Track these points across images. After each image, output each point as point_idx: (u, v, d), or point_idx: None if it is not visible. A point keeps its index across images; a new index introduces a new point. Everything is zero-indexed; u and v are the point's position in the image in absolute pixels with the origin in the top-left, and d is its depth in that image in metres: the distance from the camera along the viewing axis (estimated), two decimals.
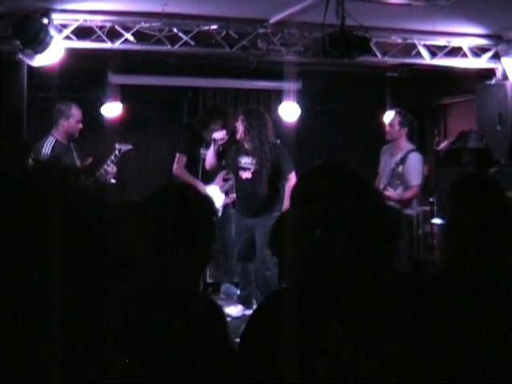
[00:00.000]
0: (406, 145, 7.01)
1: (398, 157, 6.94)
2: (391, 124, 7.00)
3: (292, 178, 6.36)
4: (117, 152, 7.05)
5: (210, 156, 6.67)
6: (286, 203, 6.23)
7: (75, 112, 6.65)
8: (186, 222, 2.18)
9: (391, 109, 8.10)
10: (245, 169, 6.49)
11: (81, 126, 6.71)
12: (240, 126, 6.41)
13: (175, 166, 7.29)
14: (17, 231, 1.14)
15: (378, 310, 1.63)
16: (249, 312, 6.61)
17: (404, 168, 6.86)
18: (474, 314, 2.02)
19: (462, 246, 2.26)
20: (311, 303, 1.63)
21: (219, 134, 6.56)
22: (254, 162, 6.41)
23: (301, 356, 1.57)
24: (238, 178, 6.59)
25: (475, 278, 2.16)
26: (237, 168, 6.54)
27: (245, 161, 6.48)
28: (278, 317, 1.63)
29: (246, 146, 6.42)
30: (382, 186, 6.88)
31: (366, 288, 1.65)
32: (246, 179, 6.49)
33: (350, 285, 1.64)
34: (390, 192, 6.76)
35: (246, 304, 6.69)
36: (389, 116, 7.11)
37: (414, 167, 6.90)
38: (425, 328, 1.64)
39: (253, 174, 6.44)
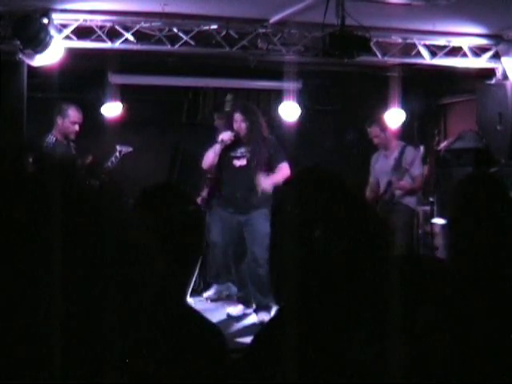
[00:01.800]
0: (397, 143, 7.21)
1: (395, 154, 7.06)
2: (376, 136, 7.15)
3: (284, 168, 6.36)
4: (117, 153, 7.07)
5: (211, 155, 6.56)
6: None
7: (71, 113, 6.66)
8: (169, 227, 2.19)
9: (391, 110, 8.11)
10: (239, 157, 6.46)
11: (77, 128, 6.69)
12: (238, 119, 6.42)
13: None
14: (18, 224, 1.14)
15: (396, 309, 1.61)
16: (249, 311, 6.60)
17: (405, 161, 6.99)
18: (476, 312, 2.01)
19: (465, 244, 2.26)
20: (324, 312, 1.61)
21: (227, 136, 6.48)
22: (249, 149, 6.41)
23: (321, 371, 1.55)
24: (230, 168, 6.49)
25: (478, 277, 2.16)
26: (230, 158, 6.48)
27: (240, 150, 6.47)
28: (287, 333, 1.61)
29: (242, 137, 6.43)
30: (384, 184, 7.00)
31: (379, 288, 1.64)
32: (240, 167, 6.44)
33: (361, 286, 1.63)
34: (404, 182, 6.91)
35: (246, 303, 6.66)
36: (369, 129, 7.20)
37: (414, 158, 7.05)
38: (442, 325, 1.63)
39: (248, 160, 6.42)
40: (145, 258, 1.26)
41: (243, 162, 6.44)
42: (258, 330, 1.75)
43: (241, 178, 6.41)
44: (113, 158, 7.09)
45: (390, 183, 7.02)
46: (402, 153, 7.09)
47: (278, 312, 1.77)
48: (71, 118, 6.66)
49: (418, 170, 7.06)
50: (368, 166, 7.39)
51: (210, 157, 6.57)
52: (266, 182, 6.24)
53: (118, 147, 7.12)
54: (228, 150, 6.50)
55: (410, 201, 7.04)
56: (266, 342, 1.69)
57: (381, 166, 7.19)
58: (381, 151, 7.27)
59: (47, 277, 1.10)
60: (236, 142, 6.45)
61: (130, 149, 7.23)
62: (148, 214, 2.24)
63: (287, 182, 1.89)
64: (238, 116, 6.42)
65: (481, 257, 2.22)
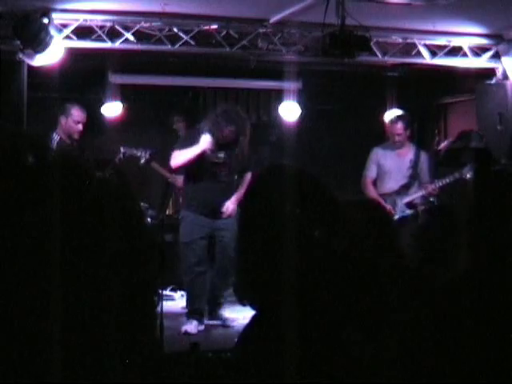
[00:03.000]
0: (411, 144, 7.15)
1: (411, 156, 7.02)
2: (399, 134, 7.02)
3: (246, 178, 6.22)
4: (121, 155, 7.08)
5: (187, 157, 6.17)
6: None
7: (75, 112, 6.68)
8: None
9: (391, 110, 8.11)
10: (217, 163, 6.20)
11: (80, 127, 6.71)
12: (229, 126, 6.07)
13: None
14: (19, 216, 1.14)
15: (390, 309, 1.62)
16: (202, 328, 6.25)
17: (420, 167, 6.98)
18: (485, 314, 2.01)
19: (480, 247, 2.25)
20: (317, 310, 1.61)
21: (208, 144, 6.13)
22: (230, 155, 6.17)
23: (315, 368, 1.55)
24: (206, 173, 6.21)
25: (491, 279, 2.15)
26: (210, 163, 6.19)
27: (218, 155, 6.19)
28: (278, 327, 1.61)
29: (225, 143, 6.13)
30: (398, 185, 6.95)
31: (378, 287, 1.65)
32: (220, 172, 6.23)
33: (361, 287, 1.64)
34: (433, 186, 6.92)
35: (200, 318, 6.26)
36: (394, 124, 7.09)
37: (427, 166, 7.08)
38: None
39: (228, 167, 6.23)
40: (148, 254, 1.25)
41: (223, 168, 6.23)
42: (243, 330, 1.73)
43: (216, 184, 6.20)
44: (116, 160, 7.10)
45: (407, 185, 6.97)
46: (418, 156, 7.03)
47: (262, 312, 1.75)
48: (75, 117, 6.68)
49: (429, 178, 7.06)
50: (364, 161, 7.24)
51: (184, 159, 6.20)
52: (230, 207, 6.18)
53: (122, 149, 7.13)
54: (207, 155, 6.19)
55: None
56: (253, 341, 1.68)
57: (395, 165, 7.04)
58: (388, 148, 7.13)
59: (47, 272, 1.10)
60: (217, 147, 6.16)
61: (134, 151, 7.24)
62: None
63: (261, 179, 1.84)
64: (229, 122, 6.09)
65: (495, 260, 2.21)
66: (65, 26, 6.16)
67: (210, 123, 6.19)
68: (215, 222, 6.21)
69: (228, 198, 6.21)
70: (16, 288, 1.09)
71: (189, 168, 6.30)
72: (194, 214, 6.24)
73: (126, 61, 7.54)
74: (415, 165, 7.00)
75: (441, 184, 6.94)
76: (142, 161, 7.44)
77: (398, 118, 7.12)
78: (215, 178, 6.22)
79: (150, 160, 7.50)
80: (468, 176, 6.88)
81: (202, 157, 6.13)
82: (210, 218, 6.20)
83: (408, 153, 7.04)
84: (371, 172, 7.09)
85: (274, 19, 6.49)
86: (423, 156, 7.09)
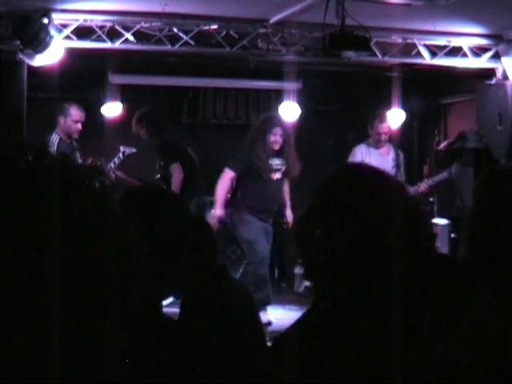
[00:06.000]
0: (389, 143, 7.21)
1: (392, 155, 7.07)
2: (386, 132, 7.11)
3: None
4: (120, 154, 7.08)
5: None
6: None
7: (73, 112, 6.70)
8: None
9: (392, 110, 8.11)
10: (276, 170, 6.72)
11: (79, 126, 6.73)
12: (277, 133, 6.63)
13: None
14: (16, 221, 1.13)
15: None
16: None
17: (400, 166, 7.05)
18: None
19: (486, 240, 2.25)
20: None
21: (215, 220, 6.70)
22: (283, 162, 6.74)
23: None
24: (265, 179, 6.66)
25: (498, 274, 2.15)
26: (268, 170, 6.67)
27: (276, 162, 6.72)
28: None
29: (275, 148, 6.65)
30: None
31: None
32: (277, 179, 6.74)
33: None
34: (424, 185, 6.99)
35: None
36: (384, 123, 7.16)
37: (405, 165, 7.28)
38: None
39: (282, 174, 6.77)
40: (137, 258, 1.26)
41: (279, 175, 6.74)
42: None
43: (274, 190, 6.76)
44: (115, 159, 7.10)
45: None
46: (398, 155, 7.12)
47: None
48: (73, 116, 6.69)
49: (405, 177, 7.16)
50: None
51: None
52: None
53: (122, 148, 7.13)
54: (266, 158, 6.63)
55: None
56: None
57: (380, 165, 7.06)
58: (371, 147, 7.17)
59: (44, 274, 1.10)
60: (268, 150, 6.63)
61: (134, 150, 7.24)
62: (135, 216, 2.22)
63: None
64: (278, 130, 6.66)
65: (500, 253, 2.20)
66: (65, 26, 6.15)
67: (258, 131, 6.73)
68: (268, 221, 6.82)
69: (277, 199, 6.83)
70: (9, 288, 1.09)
71: (245, 174, 6.70)
72: (254, 216, 6.70)
73: (125, 61, 7.53)
74: (398, 164, 7.05)
75: (431, 183, 7.07)
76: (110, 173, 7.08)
77: (384, 117, 7.18)
78: (273, 183, 6.73)
79: (114, 170, 7.13)
80: (455, 174, 6.99)
81: (258, 165, 6.61)
82: (265, 218, 6.76)
83: (389, 152, 7.11)
84: None
85: (274, 19, 6.48)
86: (401, 155, 7.19)
